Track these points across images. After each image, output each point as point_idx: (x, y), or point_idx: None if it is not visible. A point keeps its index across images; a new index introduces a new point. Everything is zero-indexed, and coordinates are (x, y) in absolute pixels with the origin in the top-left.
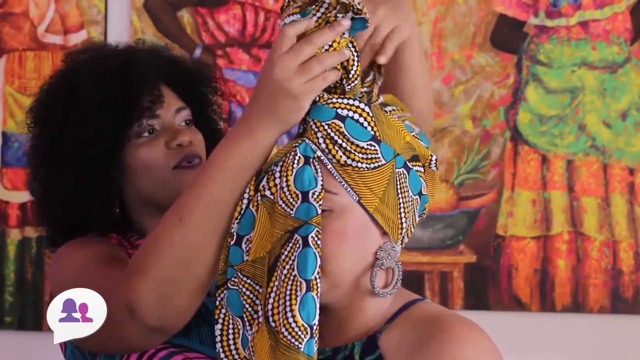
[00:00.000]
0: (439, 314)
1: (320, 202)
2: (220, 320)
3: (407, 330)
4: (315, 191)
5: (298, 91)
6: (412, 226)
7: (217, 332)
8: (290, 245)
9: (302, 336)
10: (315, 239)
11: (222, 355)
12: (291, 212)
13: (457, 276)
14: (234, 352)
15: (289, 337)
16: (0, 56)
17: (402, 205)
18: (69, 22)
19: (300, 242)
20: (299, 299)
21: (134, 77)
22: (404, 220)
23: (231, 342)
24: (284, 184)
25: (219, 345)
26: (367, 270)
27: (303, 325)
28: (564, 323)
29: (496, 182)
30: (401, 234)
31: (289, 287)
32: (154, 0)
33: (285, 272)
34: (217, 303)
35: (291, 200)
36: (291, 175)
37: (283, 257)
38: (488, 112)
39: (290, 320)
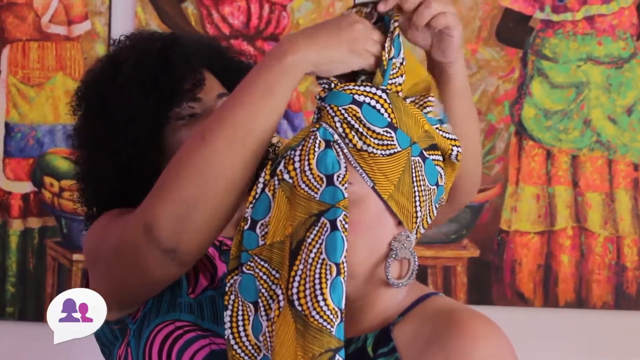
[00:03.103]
0: (454, 308)
1: (346, 185)
2: (230, 307)
3: (421, 323)
4: (340, 174)
5: (359, 47)
6: (428, 216)
7: (227, 319)
8: (317, 228)
9: (334, 319)
10: (343, 222)
11: (232, 342)
12: (315, 195)
13: (460, 271)
14: (244, 338)
15: (321, 320)
16: (3, 46)
17: (417, 193)
18: (73, 12)
19: (328, 225)
20: (329, 282)
21: (176, 59)
22: (418, 209)
23: (241, 328)
24: (306, 168)
25: (228, 331)
26: (382, 260)
27: (334, 308)
28: (567, 318)
29: (500, 176)
30: (416, 222)
31: (317, 271)
32: None
33: (312, 255)
34: (227, 289)
35: (315, 183)
36: (313, 158)
37: (309, 240)
38: (493, 107)
39: (322, 303)
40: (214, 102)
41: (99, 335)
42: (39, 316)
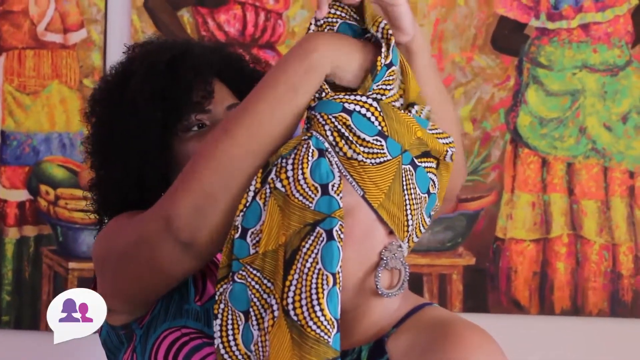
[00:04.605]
0: (449, 319)
1: (341, 195)
2: (220, 315)
3: (415, 334)
4: (335, 183)
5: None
6: (420, 225)
7: (216, 328)
8: (313, 238)
9: (331, 329)
10: (339, 232)
11: (222, 351)
12: (310, 204)
13: (456, 279)
14: (234, 347)
15: (318, 330)
16: None
17: (408, 202)
18: (69, 20)
19: (324, 235)
20: (325, 292)
21: (184, 71)
22: (410, 217)
23: (231, 337)
24: (300, 177)
25: (218, 340)
26: (372, 270)
27: (331, 318)
28: (562, 326)
29: (496, 184)
30: (407, 231)
31: (314, 281)
32: (154, 0)
33: (308, 265)
34: (217, 297)
35: (310, 192)
36: (307, 167)
37: (304, 250)
38: (488, 115)
39: (319, 313)
40: (224, 113)
41: (105, 340)
42: (35, 324)
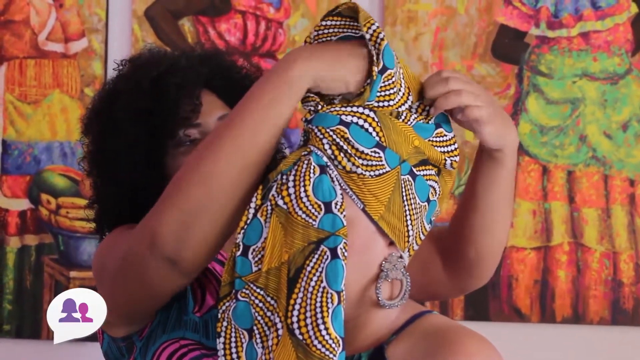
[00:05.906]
0: (448, 326)
1: (344, 213)
2: (223, 334)
3: (414, 342)
4: (338, 202)
5: (360, 73)
6: (420, 233)
7: (220, 347)
8: (317, 256)
9: (336, 348)
10: (343, 250)
11: None
12: (314, 222)
13: None
14: None
15: (323, 349)
16: (0, 64)
17: (408, 212)
18: (70, 30)
19: (329, 253)
20: (330, 311)
21: (170, 88)
22: (410, 227)
23: (234, 355)
24: (302, 194)
25: (222, 359)
26: (373, 281)
27: (336, 337)
28: (564, 334)
29: None
30: (408, 242)
31: (318, 299)
32: (155, 9)
33: (312, 283)
34: (219, 315)
35: (313, 210)
36: (309, 185)
37: (309, 268)
38: None
39: (324, 332)
40: (214, 124)
41: (106, 352)
42: (36, 333)
